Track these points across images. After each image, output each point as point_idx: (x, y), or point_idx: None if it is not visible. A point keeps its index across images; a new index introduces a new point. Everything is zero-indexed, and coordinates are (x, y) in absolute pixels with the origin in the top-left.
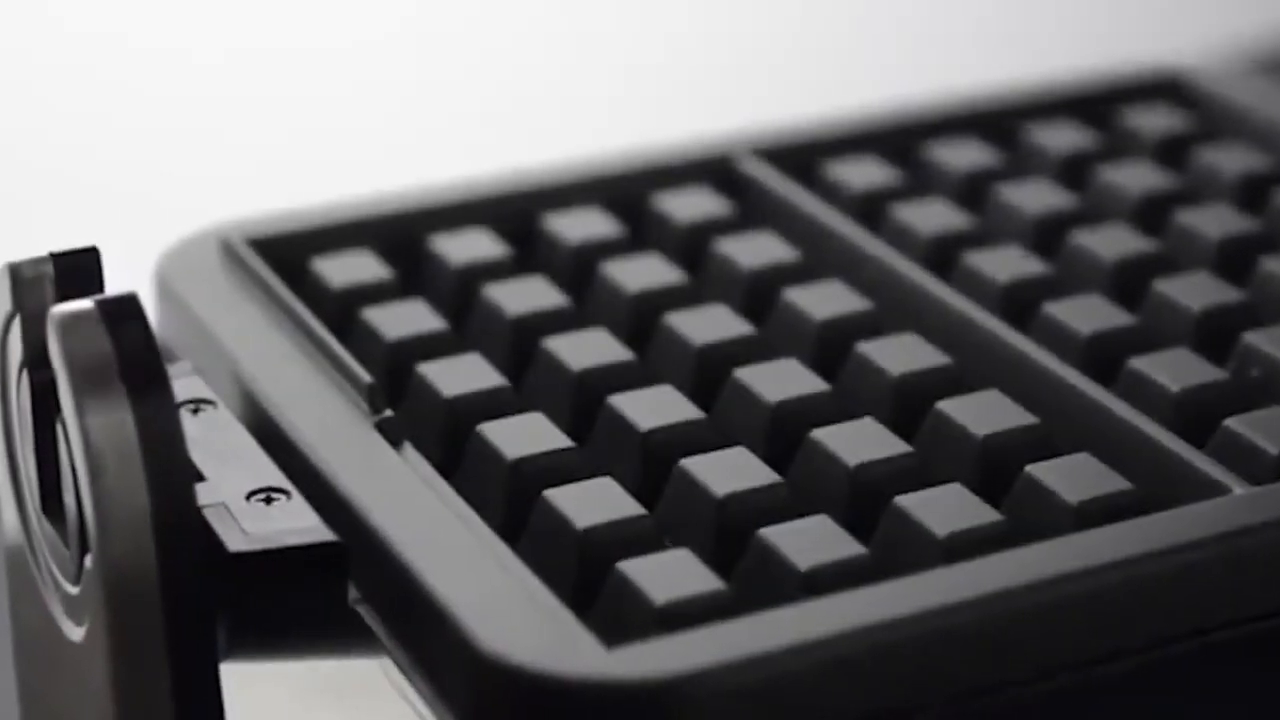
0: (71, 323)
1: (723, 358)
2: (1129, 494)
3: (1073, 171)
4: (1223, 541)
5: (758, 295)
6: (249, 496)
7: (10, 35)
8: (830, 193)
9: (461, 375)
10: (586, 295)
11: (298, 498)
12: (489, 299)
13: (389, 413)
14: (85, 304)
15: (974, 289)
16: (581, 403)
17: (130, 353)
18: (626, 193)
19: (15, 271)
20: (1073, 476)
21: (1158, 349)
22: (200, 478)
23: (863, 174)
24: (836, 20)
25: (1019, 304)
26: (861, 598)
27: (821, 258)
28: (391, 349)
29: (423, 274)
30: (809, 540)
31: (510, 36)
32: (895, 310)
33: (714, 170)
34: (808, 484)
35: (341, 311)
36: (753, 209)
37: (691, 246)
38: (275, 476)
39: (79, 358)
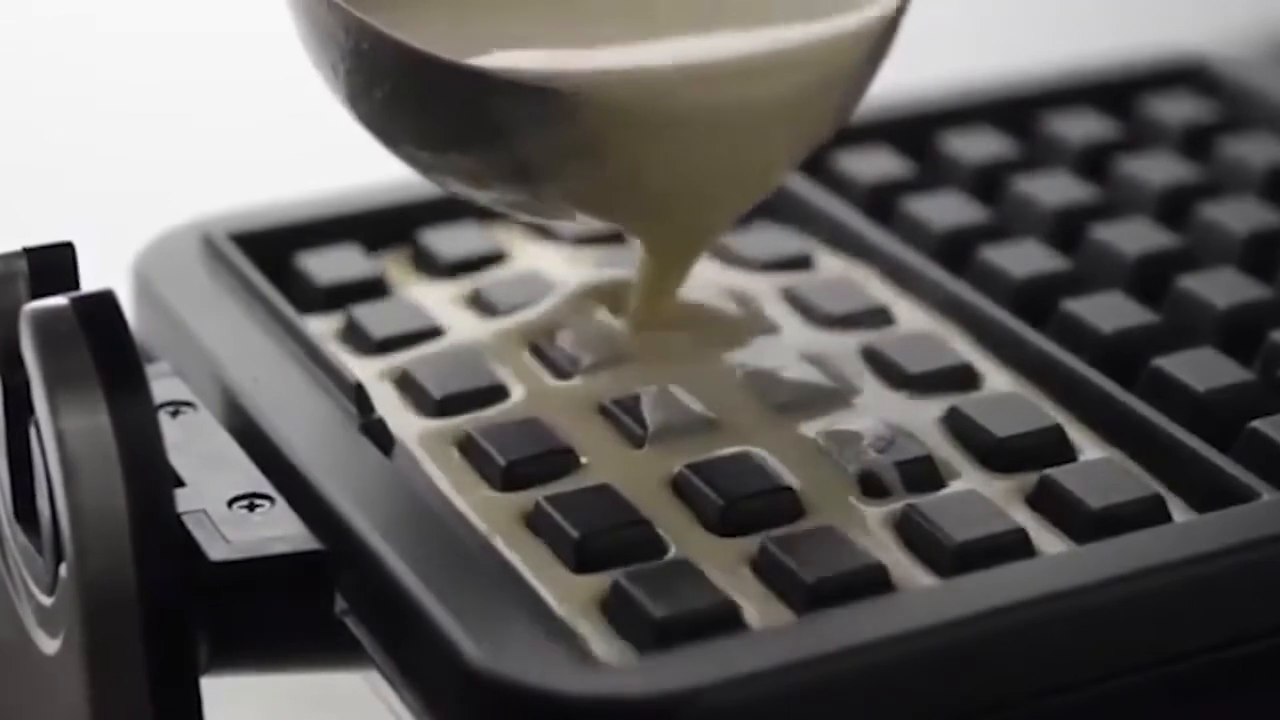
0: (45, 321)
1: None
2: (1151, 499)
3: (1092, 162)
4: (1251, 549)
5: None
6: (231, 503)
7: None
8: (840, 185)
9: (454, 374)
10: None
11: (282, 504)
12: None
13: (377, 415)
14: (60, 301)
15: (989, 285)
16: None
17: (107, 353)
18: None
19: None
20: (1093, 481)
21: (1181, 348)
22: (180, 483)
23: (873, 165)
24: None
25: (1036, 300)
26: (867, 611)
27: (831, 252)
28: (380, 348)
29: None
30: (817, 551)
31: None
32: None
33: None
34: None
35: (328, 309)
36: (759, 202)
37: None
38: (258, 482)
39: (53, 358)
